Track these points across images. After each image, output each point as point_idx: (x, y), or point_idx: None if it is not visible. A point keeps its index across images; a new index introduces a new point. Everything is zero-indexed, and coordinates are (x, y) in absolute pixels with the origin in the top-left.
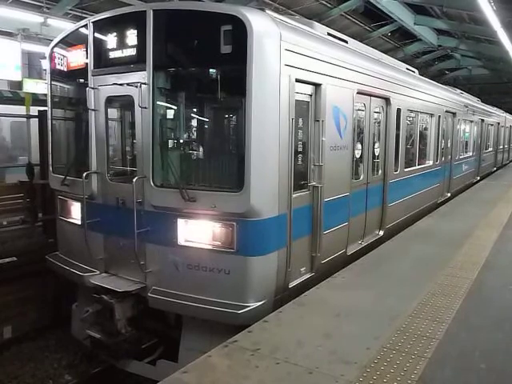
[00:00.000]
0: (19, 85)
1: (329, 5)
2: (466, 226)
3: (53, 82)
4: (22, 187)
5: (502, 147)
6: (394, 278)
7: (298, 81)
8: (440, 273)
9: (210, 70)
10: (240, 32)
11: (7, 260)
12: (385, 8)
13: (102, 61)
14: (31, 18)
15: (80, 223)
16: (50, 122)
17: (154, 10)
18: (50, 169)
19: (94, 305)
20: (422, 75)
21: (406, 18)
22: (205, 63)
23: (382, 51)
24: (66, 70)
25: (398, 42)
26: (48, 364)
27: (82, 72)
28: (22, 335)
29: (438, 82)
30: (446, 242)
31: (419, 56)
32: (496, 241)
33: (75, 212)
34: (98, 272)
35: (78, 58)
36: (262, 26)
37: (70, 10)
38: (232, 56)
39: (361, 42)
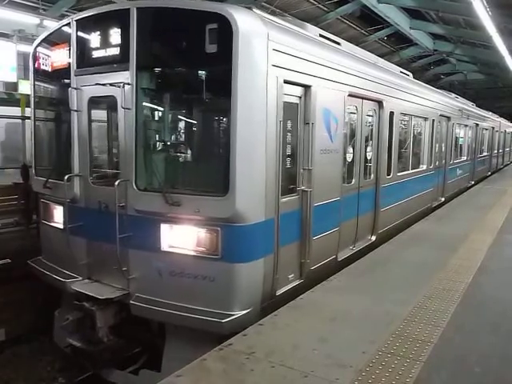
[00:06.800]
0: (15, 86)
1: (325, 8)
2: (461, 229)
3: (36, 82)
4: (17, 189)
5: (496, 152)
6: (389, 281)
7: (286, 82)
8: (435, 276)
9: (195, 70)
10: (225, 31)
11: (1, 262)
12: (381, 12)
13: (85, 60)
14: (27, 20)
15: (62, 227)
16: (33, 123)
17: (137, 8)
18: (33, 171)
19: (75, 312)
20: (417, 79)
21: (402, 22)
22: (189, 63)
23: (378, 55)
24: (49, 69)
25: (394, 46)
26: (41, 367)
27: (65, 72)
28: (16, 338)
29: (433, 86)
30: (442, 246)
31: (415, 60)
32: (491, 245)
33: (57, 216)
34: (80, 278)
35: (61, 57)
36: (249, 25)
37: (66, 11)
38: (217, 56)
39: (357, 45)
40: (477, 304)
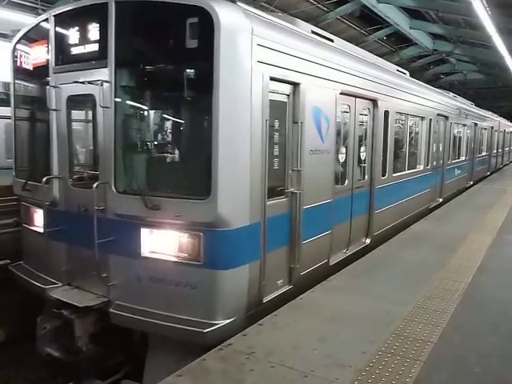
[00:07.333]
0: None
1: (325, 8)
2: (461, 229)
3: (16, 81)
4: None
5: (495, 152)
6: (389, 281)
7: (272, 79)
8: (435, 276)
9: (175, 67)
10: (206, 25)
11: (1, 262)
12: (381, 12)
13: (64, 57)
14: (26, 20)
15: (42, 231)
16: (13, 123)
17: (116, 2)
18: (14, 173)
19: (53, 320)
20: (417, 79)
21: (401, 22)
22: (170, 59)
23: (377, 55)
24: (28, 67)
25: (394, 46)
26: (41, 367)
27: (44, 69)
28: (16, 338)
29: (433, 86)
30: (441, 246)
31: (415, 60)
32: (490, 245)
33: (37, 219)
34: (60, 284)
35: (40, 54)
36: (231, 19)
37: None
38: (198, 51)
39: (357, 45)
40: (477, 304)
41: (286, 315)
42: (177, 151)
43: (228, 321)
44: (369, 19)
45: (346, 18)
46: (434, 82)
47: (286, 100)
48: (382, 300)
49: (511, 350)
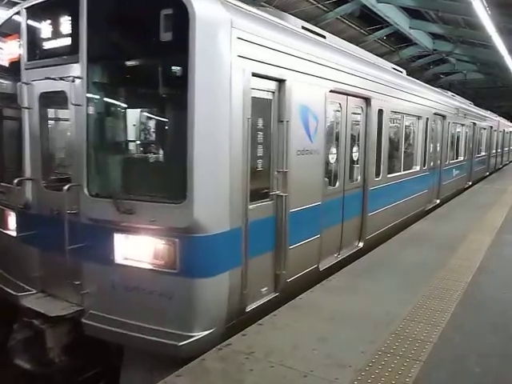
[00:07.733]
0: None
1: (325, 8)
2: (461, 229)
3: None
4: None
5: (494, 151)
6: (388, 281)
7: (255, 75)
8: (435, 276)
9: (150, 61)
10: (181, 17)
11: None
12: (380, 12)
13: (36, 52)
14: None
15: (15, 235)
16: None
17: None
18: None
19: (24, 330)
20: (417, 79)
21: (401, 21)
22: (143, 53)
23: (377, 55)
24: (2, 63)
25: (394, 46)
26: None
27: (17, 65)
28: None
29: (432, 85)
30: (441, 246)
31: (414, 60)
32: (490, 245)
33: (11, 223)
34: (34, 291)
35: (12, 49)
36: (208, 10)
37: None
38: (173, 45)
39: (357, 45)
40: (476, 304)
41: (286, 315)
42: (152, 151)
43: (205, 333)
44: (369, 19)
45: (346, 17)
46: (433, 81)
47: (270, 97)
48: (382, 300)
49: (511, 350)
